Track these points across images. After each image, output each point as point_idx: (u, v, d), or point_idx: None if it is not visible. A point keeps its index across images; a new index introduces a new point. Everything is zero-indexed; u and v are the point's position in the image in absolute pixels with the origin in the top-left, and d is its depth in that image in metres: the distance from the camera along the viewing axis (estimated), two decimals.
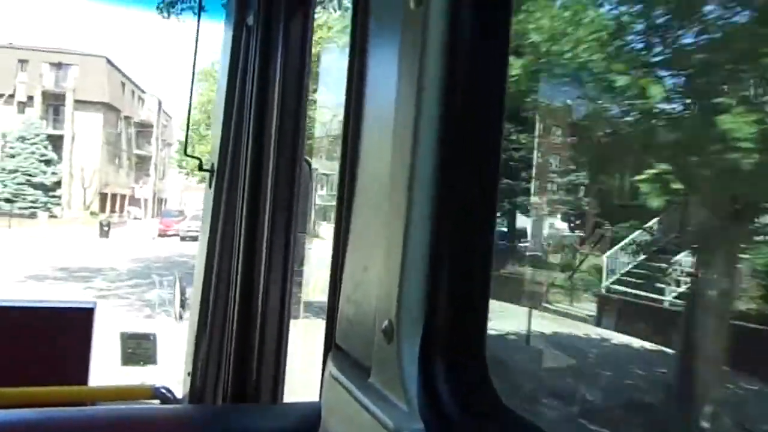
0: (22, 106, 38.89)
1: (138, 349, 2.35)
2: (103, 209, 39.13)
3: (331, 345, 1.04)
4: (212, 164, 2.02)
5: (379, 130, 0.94)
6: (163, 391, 2.00)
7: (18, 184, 35.37)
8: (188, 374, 2.01)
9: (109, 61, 40.63)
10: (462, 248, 0.80)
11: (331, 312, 1.06)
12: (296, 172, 1.70)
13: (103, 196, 40.28)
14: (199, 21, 2.00)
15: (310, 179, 1.84)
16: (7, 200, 34.50)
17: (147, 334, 2.39)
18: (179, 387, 2.10)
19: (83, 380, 2.24)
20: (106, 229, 28.76)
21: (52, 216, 35.06)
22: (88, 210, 38.30)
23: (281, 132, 1.68)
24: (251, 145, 1.75)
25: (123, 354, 2.36)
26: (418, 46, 0.80)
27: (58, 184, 37.33)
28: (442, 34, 0.79)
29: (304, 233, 1.78)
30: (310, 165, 1.87)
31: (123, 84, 42.85)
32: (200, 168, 2.09)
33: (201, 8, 2.07)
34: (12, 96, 38.09)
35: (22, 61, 38.95)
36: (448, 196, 0.79)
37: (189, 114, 2.11)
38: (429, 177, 0.79)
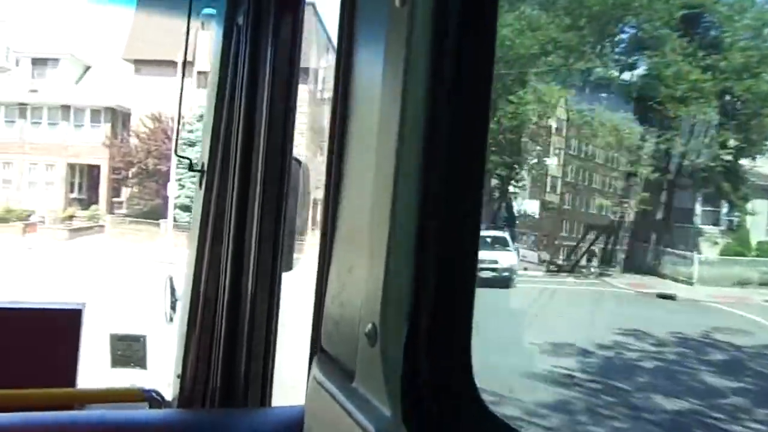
0: (203, 78, 28.57)
1: (128, 351, 2.32)
2: None
3: (316, 348, 1.02)
4: (202, 164, 2.01)
5: (365, 129, 0.93)
6: (153, 393, 1.98)
7: None
8: (177, 376, 1.99)
9: (315, 10, 24.41)
10: (446, 252, 0.78)
11: (317, 314, 1.04)
12: (285, 171, 1.68)
13: None
14: (189, 20, 1.99)
15: (299, 178, 1.82)
16: (186, 207, 21.64)
17: (137, 335, 2.37)
18: (169, 389, 2.08)
19: (71, 382, 2.22)
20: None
21: None
22: None
23: (270, 131, 1.66)
24: (241, 145, 1.73)
25: (113, 356, 2.33)
26: (404, 44, 0.79)
27: None
28: (428, 32, 0.77)
29: (293, 233, 1.75)
30: (300, 163, 1.85)
31: (328, 43, 25.57)
32: (190, 168, 2.07)
33: (191, 7, 2.06)
34: (191, 63, 27.97)
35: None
36: (433, 197, 0.78)
37: (180, 112, 2.09)
38: (414, 177, 0.78)
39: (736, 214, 12.33)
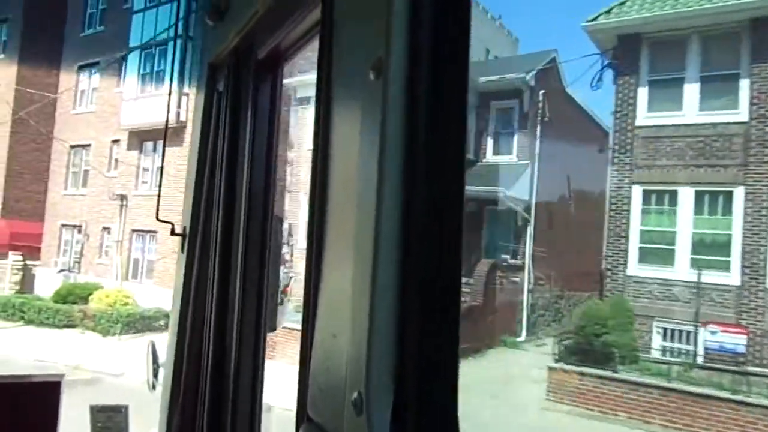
0: None
1: (108, 422, 2.25)
2: None
3: (302, 416, 1.00)
4: (184, 228, 2.01)
5: (344, 195, 0.95)
6: None
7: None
8: None
9: None
10: (430, 318, 0.79)
11: (302, 382, 1.03)
12: (267, 233, 1.69)
13: None
14: (171, 87, 2.02)
15: (281, 238, 1.82)
16: None
17: (118, 406, 2.30)
18: None
19: None
20: None
21: None
22: None
23: (251, 193, 1.68)
24: (222, 208, 1.74)
25: (93, 428, 2.26)
26: (379, 114, 0.81)
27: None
28: (401, 102, 0.80)
29: (276, 294, 1.74)
30: (281, 222, 1.86)
31: None
32: (172, 233, 2.07)
33: (172, 74, 2.10)
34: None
35: None
36: (413, 262, 0.79)
37: (161, 175, 2.11)
38: (393, 244, 0.79)
39: None
